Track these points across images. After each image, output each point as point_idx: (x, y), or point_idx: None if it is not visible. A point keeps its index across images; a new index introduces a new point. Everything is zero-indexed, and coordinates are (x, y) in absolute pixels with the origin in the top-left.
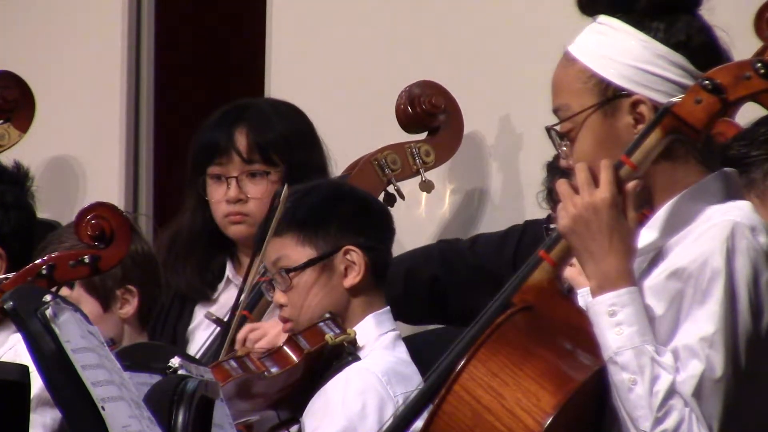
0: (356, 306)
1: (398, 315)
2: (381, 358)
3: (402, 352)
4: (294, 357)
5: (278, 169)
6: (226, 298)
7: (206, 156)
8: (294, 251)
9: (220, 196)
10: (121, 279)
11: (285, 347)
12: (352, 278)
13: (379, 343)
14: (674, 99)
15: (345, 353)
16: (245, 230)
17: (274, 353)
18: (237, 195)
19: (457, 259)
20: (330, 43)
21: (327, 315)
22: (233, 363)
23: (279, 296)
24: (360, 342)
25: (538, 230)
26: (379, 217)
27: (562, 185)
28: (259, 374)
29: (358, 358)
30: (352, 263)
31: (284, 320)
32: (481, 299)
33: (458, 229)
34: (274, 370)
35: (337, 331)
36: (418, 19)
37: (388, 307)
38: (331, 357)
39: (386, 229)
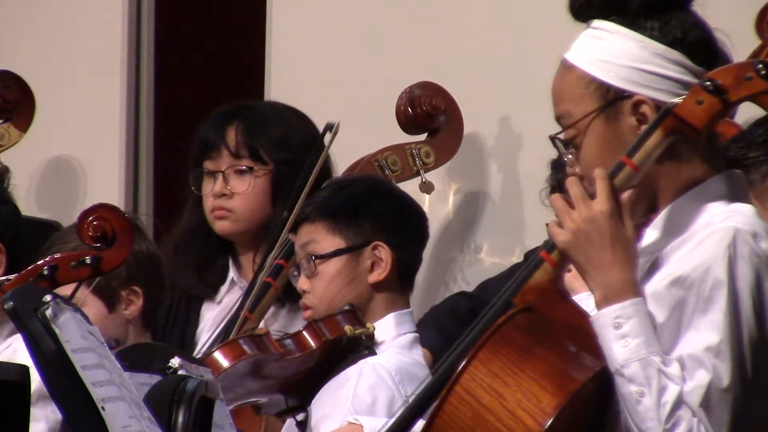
0: (378, 303)
1: None
2: (396, 356)
3: (418, 355)
4: (312, 343)
5: (266, 167)
6: (229, 300)
7: (200, 151)
8: (324, 239)
9: (208, 191)
10: (126, 279)
11: (304, 332)
12: (377, 274)
13: (397, 342)
14: (675, 100)
15: (362, 346)
16: (228, 226)
17: (293, 336)
18: (221, 189)
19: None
20: (330, 44)
21: (347, 307)
22: (250, 341)
23: (303, 282)
24: (378, 338)
25: None
26: (414, 219)
27: (556, 201)
28: (274, 355)
29: (374, 353)
30: (380, 259)
31: (305, 307)
32: None
33: (458, 230)
34: (290, 352)
35: (356, 323)
36: (419, 19)
37: (411, 309)
38: (347, 348)
39: (419, 233)
